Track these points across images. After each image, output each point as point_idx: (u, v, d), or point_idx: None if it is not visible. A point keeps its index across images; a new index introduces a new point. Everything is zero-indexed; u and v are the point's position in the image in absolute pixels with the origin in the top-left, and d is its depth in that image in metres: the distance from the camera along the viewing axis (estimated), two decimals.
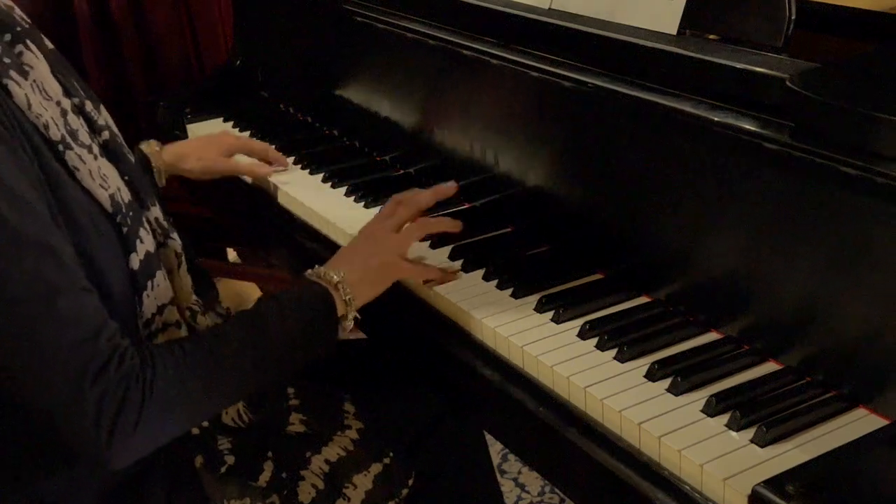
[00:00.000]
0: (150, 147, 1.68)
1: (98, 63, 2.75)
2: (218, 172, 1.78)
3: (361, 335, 1.55)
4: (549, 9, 1.47)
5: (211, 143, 1.80)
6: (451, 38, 1.58)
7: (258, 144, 1.86)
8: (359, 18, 1.80)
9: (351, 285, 1.27)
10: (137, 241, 1.16)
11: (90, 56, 2.74)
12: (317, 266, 1.30)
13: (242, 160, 1.82)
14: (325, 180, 1.78)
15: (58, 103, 1.13)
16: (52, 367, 1.02)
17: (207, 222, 2.38)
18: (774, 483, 0.96)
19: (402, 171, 1.79)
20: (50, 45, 1.21)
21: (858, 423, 1.07)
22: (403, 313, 1.44)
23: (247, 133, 2.03)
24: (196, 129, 2.09)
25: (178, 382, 1.08)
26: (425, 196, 1.45)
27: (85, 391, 1.02)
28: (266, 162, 1.83)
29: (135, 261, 1.15)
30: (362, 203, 1.68)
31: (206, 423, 1.28)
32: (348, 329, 1.28)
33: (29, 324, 1.01)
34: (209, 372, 1.12)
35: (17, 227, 1.01)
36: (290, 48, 2.12)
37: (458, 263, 1.44)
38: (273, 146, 1.87)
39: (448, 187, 1.48)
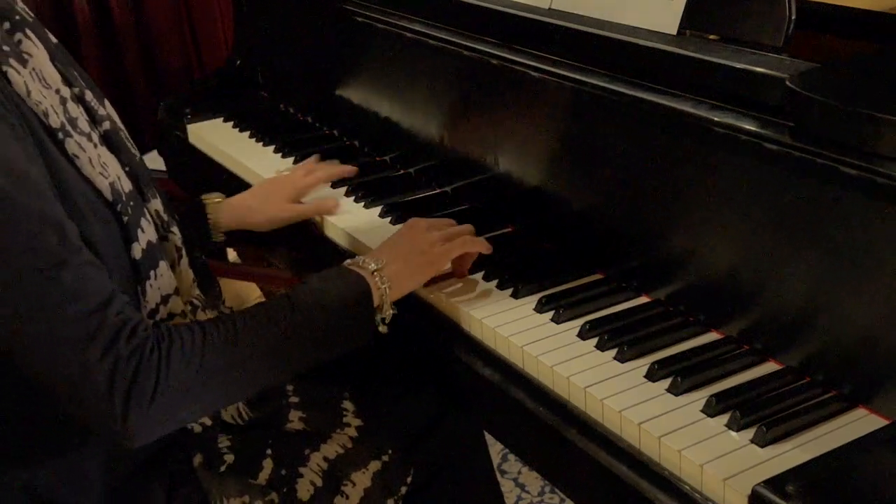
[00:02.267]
0: (210, 199, 1.61)
1: (98, 63, 2.76)
2: (285, 222, 1.64)
3: None
4: (549, 9, 1.47)
5: (274, 192, 1.66)
6: (451, 38, 1.58)
7: (321, 174, 1.70)
8: (359, 18, 1.80)
9: (389, 276, 1.26)
10: (139, 231, 1.16)
11: (90, 56, 2.74)
12: (357, 256, 1.30)
13: (307, 198, 1.68)
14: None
15: (57, 91, 1.14)
16: (60, 339, 1.02)
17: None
18: (774, 483, 0.96)
19: (402, 171, 1.79)
20: (54, 40, 1.21)
21: (858, 423, 1.07)
22: (404, 312, 1.44)
23: (246, 133, 2.03)
24: (196, 129, 2.09)
25: (197, 359, 1.08)
26: (471, 233, 1.41)
27: (94, 363, 1.02)
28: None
29: (136, 250, 1.16)
30: (362, 203, 1.68)
31: (207, 422, 1.28)
32: (387, 319, 1.27)
33: (35, 297, 1.01)
34: (231, 352, 1.11)
35: (19, 200, 1.01)
36: (289, 48, 2.12)
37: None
38: (335, 162, 1.78)
39: (487, 247, 1.41)
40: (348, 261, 1.29)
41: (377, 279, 1.25)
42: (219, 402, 1.18)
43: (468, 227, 1.43)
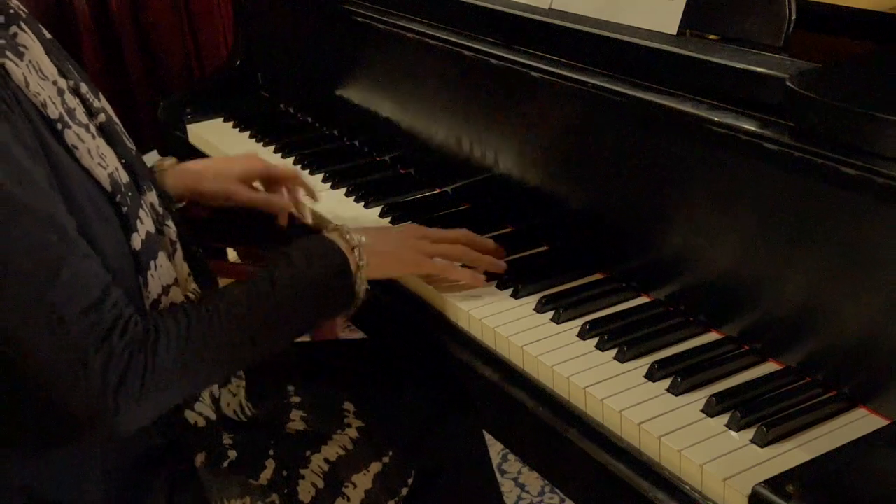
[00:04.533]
0: (161, 164, 1.54)
1: (98, 63, 2.75)
2: (232, 201, 1.56)
3: (361, 334, 1.55)
4: (549, 9, 1.47)
5: (231, 164, 1.59)
6: (451, 38, 1.58)
7: (285, 171, 1.62)
8: (359, 18, 1.80)
9: (369, 254, 1.27)
10: (138, 222, 1.17)
11: (90, 56, 2.74)
12: (343, 224, 1.29)
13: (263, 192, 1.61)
14: (325, 180, 1.78)
15: (54, 82, 1.14)
16: (57, 335, 1.03)
17: (207, 222, 2.38)
18: (774, 483, 0.96)
19: (402, 171, 1.79)
20: (48, 35, 1.21)
21: (858, 423, 1.07)
22: (403, 312, 1.44)
23: (246, 133, 2.03)
24: (196, 129, 2.10)
25: (181, 350, 1.09)
26: (477, 254, 1.39)
27: (90, 358, 1.03)
28: (294, 188, 1.62)
29: (136, 241, 1.16)
30: (362, 203, 1.68)
31: (212, 416, 1.28)
32: (360, 294, 1.27)
33: (35, 294, 1.02)
34: (215, 336, 1.12)
35: (21, 199, 1.01)
36: (289, 48, 2.12)
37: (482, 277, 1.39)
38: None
39: (499, 265, 1.41)
40: (333, 224, 1.29)
41: (356, 254, 1.26)
42: (204, 384, 1.20)
43: (475, 254, 1.39)
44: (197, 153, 2.06)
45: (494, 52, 1.50)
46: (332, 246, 1.26)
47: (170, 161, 1.56)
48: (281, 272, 1.20)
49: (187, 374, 1.11)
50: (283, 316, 1.20)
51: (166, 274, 1.20)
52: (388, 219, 1.61)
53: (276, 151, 1.93)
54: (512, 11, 1.50)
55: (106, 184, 1.14)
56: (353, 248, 1.26)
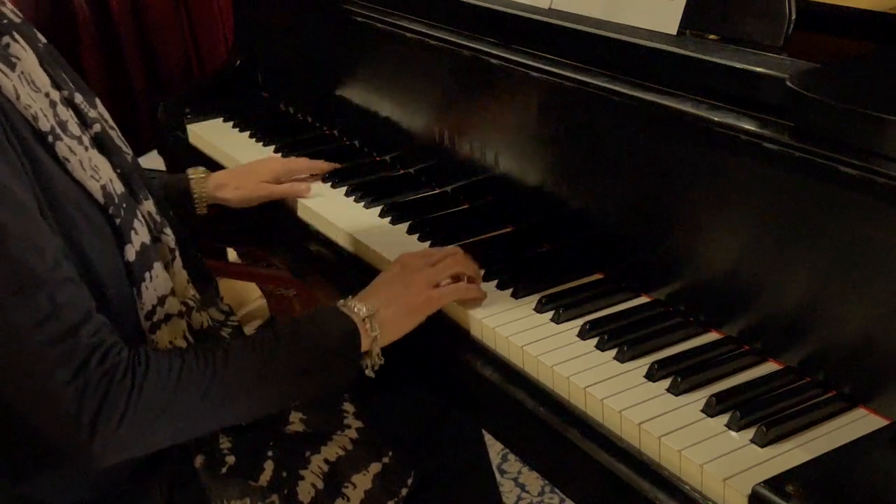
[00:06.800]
0: (196, 173, 1.66)
1: (98, 63, 2.75)
2: (255, 200, 1.70)
3: None
4: (549, 9, 1.47)
5: (251, 172, 1.72)
6: (451, 38, 1.58)
7: (300, 164, 1.77)
8: (359, 18, 1.80)
9: (381, 322, 1.23)
10: (132, 233, 1.16)
11: (90, 56, 2.74)
12: (350, 297, 1.26)
13: (279, 184, 1.73)
14: (325, 180, 1.78)
15: (46, 94, 1.13)
16: (29, 359, 1.01)
17: (207, 222, 2.38)
18: (774, 483, 0.96)
19: (402, 171, 1.79)
20: (43, 40, 1.21)
21: (858, 423, 1.07)
22: None
23: (246, 133, 2.04)
24: (196, 129, 2.10)
25: (170, 389, 1.07)
26: (474, 271, 1.37)
27: (63, 385, 1.01)
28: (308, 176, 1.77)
29: (130, 252, 1.15)
30: (362, 203, 1.68)
31: None
32: (375, 366, 1.24)
33: (8, 315, 1.01)
34: (206, 386, 1.09)
35: (1, 220, 1.00)
36: (289, 48, 2.12)
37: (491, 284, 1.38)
38: (310, 157, 1.81)
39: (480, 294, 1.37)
40: (340, 301, 1.26)
41: (367, 326, 1.22)
42: (188, 433, 1.15)
43: (472, 269, 1.37)
44: (197, 153, 2.06)
45: (494, 51, 1.50)
46: (340, 312, 1.23)
47: (202, 171, 1.68)
48: (285, 332, 1.18)
49: (172, 417, 1.08)
50: (280, 376, 1.16)
51: (162, 285, 1.19)
52: (388, 219, 1.61)
53: (276, 151, 1.93)
54: (511, 11, 1.50)
55: (98, 196, 1.13)
56: (363, 321, 1.22)
